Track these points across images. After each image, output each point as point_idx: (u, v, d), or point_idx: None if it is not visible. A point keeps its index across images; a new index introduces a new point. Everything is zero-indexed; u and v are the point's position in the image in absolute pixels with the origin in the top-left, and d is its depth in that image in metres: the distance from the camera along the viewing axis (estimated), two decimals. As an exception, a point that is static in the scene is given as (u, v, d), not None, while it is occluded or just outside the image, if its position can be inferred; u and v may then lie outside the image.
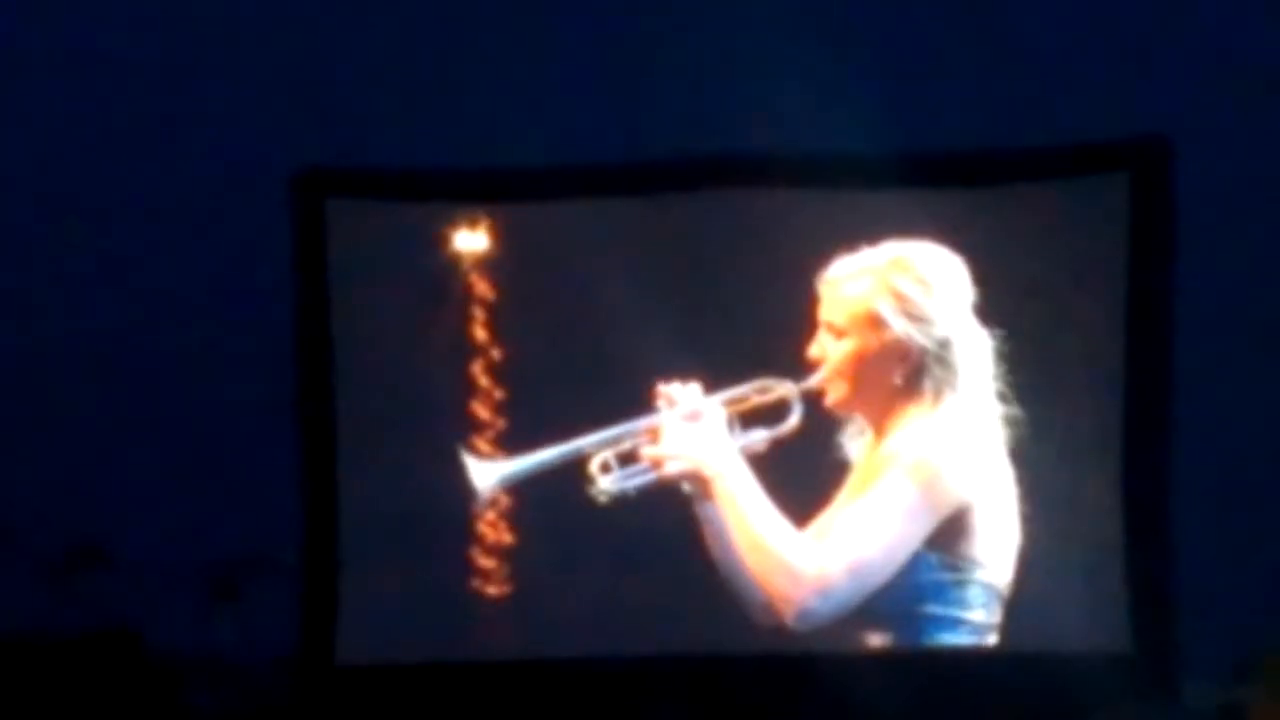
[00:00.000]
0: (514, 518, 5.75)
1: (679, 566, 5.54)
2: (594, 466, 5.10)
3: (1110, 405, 5.68)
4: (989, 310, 5.26)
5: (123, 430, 5.90)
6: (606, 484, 5.07)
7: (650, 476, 5.08)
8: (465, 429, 5.80)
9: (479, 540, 5.80)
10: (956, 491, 4.99)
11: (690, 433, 5.06)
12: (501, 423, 5.85)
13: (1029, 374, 5.25)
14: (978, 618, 5.08)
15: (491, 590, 5.81)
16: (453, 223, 5.88)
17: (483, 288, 5.87)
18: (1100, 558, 5.62)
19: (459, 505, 5.70)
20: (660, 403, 5.10)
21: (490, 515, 5.77)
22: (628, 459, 5.11)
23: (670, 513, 5.15)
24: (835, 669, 5.47)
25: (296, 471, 5.84)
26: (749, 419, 5.15)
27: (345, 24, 5.97)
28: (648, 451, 5.08)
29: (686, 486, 5.09)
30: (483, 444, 5.79)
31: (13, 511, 5.86)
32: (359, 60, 5.92)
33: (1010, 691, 5.48)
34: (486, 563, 5.80)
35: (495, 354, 5.87)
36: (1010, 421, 5.14)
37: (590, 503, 5.08)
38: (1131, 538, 5.65)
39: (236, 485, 5.81)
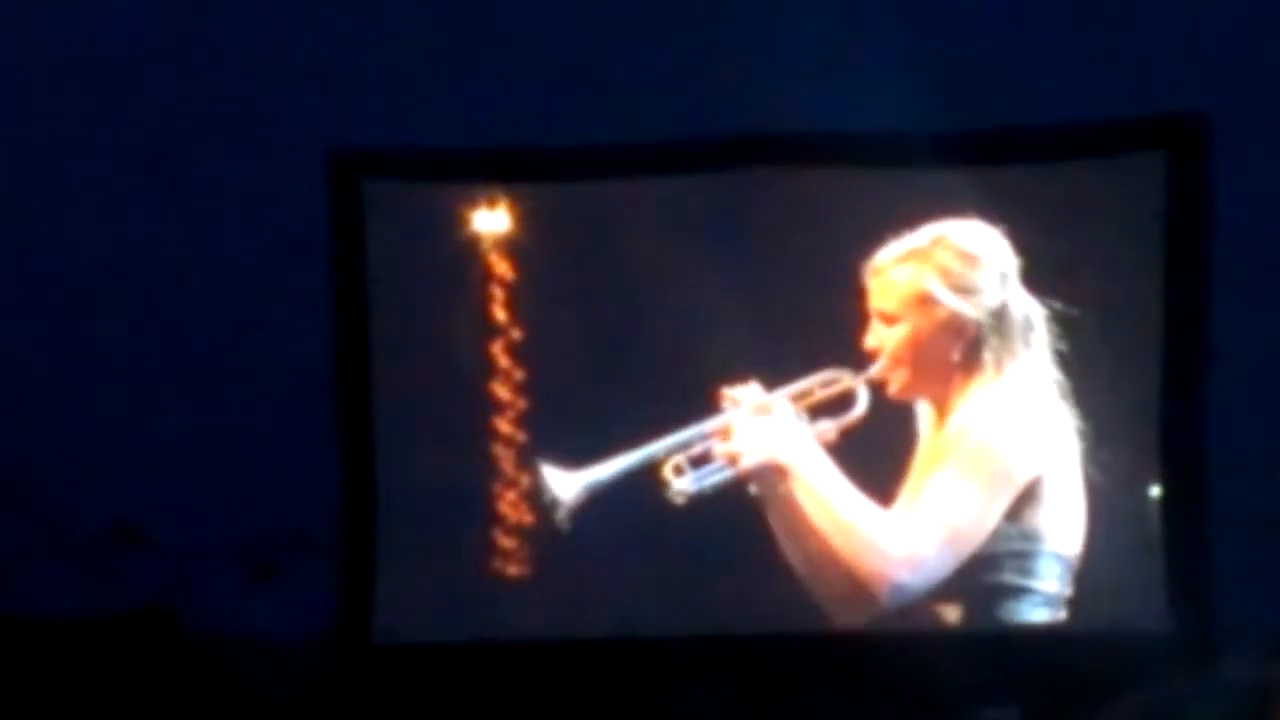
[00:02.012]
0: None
1: (717, 550, 5.60)
2: (667, 470, 5.15)
3: (1147, 383, 5.68)
4: (1026, 288, 5.29)
5: (161, 410, 5.88)
6: (683, 485, 5.14)
7: (726, 473, 5.15)
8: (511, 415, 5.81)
9: (513, 522, 5.81)
10: (1029, 461, 5.04)
11: (762, 426, 5.10)
12: (525, 404, 5.84)
13: (1065, 352, 5.29)
14: (1049, 588, 5.15)
15: (527, 571, 5.82)
16: (492, 202, 5.87)
17: (521, 268, 5.86)
18: (1139, 533, 5.63)
19: (493, 485, 5.77)
20: (725, 403, 5.14)
21: (511, 497, 5.78)
22: (700, 460, 5.17)
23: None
24: (870, 648, 5.50)
25: (334, 450, 5.85)
26: (815, 411, 5.18)
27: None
28: (721, 449, 5.14)
29: (753, 488, 5.13)
30: (504, 424, 5.80)
31: (51, 492, 5.86)
32: (402, 38, 5.90)
33: (1047, 668, 5.50)
34: (519, 544, 5.81)
35: (529, 336, 5.87)
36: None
37: (666, 505, 5.14)
38: (1169, 514, 5.66)
39: (274, 464, 5.80)
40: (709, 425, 5.23)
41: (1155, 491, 5.68)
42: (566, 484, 5.21)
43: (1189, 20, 5.76)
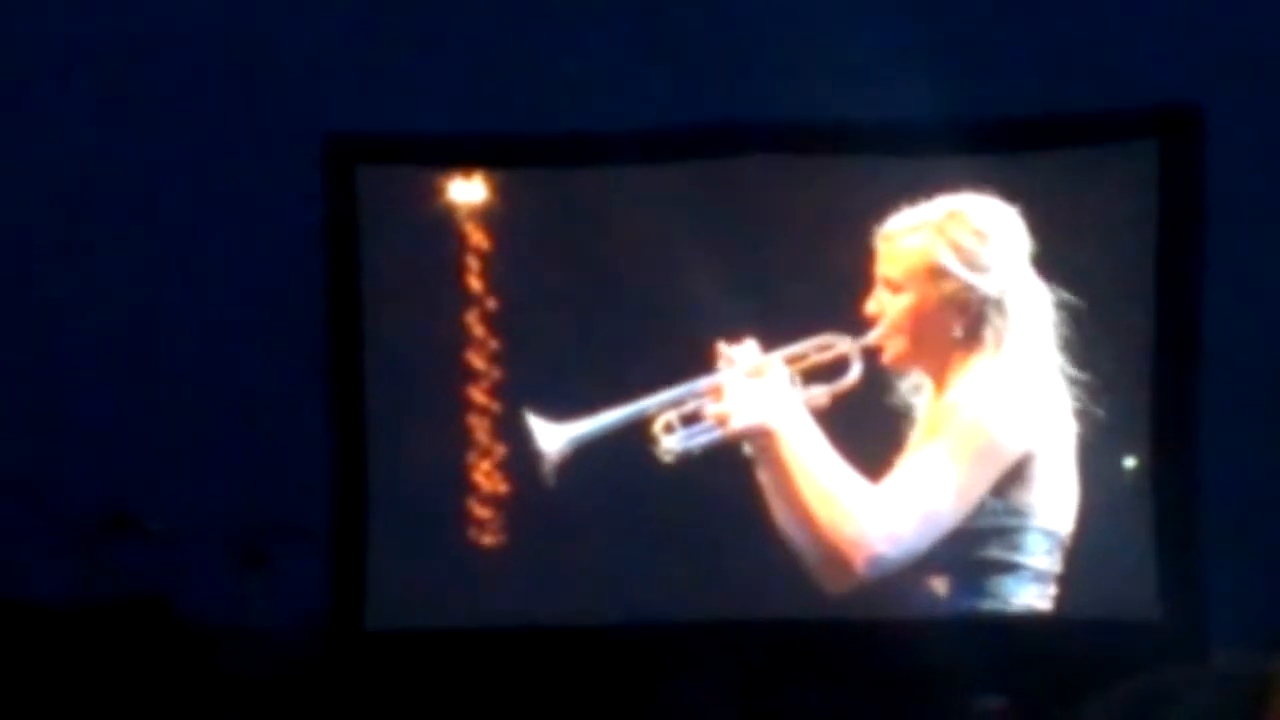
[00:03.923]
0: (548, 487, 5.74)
1: (709, 535, 5.60)
2: (658, 427, 5.15)
3: (1139, 372, 5.68)
4: (1024, 272, 5.29)
5: (153, 397, 5.89)
6: (671, 443, 5.15)
7: (715, 434, 5.15)
8: (498, 394, 5.81)
9: (501, 494, 5.81)
10: (1020, 438, 5.05)
11: (753, 389, 5.10)
12: (509, 378, 5.82)
13: (1058, 338, 5.29)
14: (1038, 564, 5.15)
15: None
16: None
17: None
18: (1131, 521, 5.64)
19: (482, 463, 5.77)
20: (721, 362, 5.14)
21: (501, 472, 5.78)
22: (691, 419, 5.16)
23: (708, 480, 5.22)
24: (859, 634, 5.52)
25: (326, 438, 5.84)
26: (809, 375, 5.19)
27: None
28: (712, 409, 5.13)
29: (747, 447, 5.13)
30: (490, 401, 5.79)
31: (44, 479, 5.86)
32: (398, 24, 5.90)
33: (1037, 657, 5.50)
34: (505, 519, 5.81)
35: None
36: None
37: (654, 462, 5.13)
38: (1162, 501, 5.67)
39: (266, 452, 5.81)
40: (702, 383, 5.21)
41: (1147, 480, 5.69)
42: (552, 436, 5.20)
43: (1181, 10, 5.77)
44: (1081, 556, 5.34)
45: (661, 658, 5.74)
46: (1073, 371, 5.27)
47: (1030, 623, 5.36)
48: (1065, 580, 5.32)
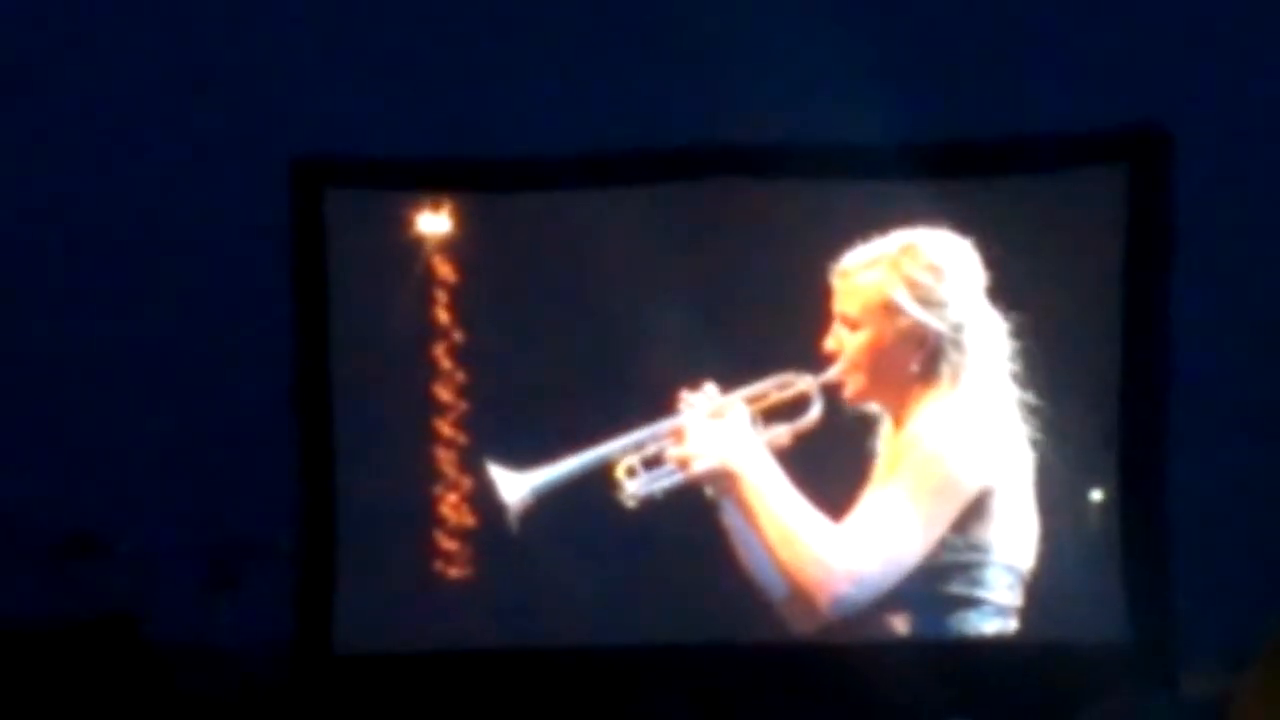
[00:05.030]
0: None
1: (669, 559, 5.59)
2: (620, 471, 5.17)
3: (1107, 397, 5.67)
4: (987, 300, 5.29)
5: (120, 417, 5.90)
6: (634, 488, 5.16)
7: (677, 477, 5.17)
8: (469, 423, 5.81)
9: (467, 527, 5.80)
10: (978, 474, 5.05)
11: (714, 431, 5.12)
12: (476, 410, 5.82)
13: (1025, 364, 5.29)
14: (1000, 599, 5.17)
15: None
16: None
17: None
18: (1098, 547, 5.62)
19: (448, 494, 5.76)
20: (682, 404, 5.15)
21: (468, 505, 5.77)
22: (653, 462, 5.18)
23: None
24: (824, 658, 5.51)
25: (294, 459, 5.83)
26: (770, 415, 5.20)
27: (350, 10, 5.95)
28: (673, 452, 5.16)
29: (709, 490, 5.14)
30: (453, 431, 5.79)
31: (11, 498, 5.85)
32: (363, 48, 5.91)
33: (1004, 680, 5.49)
34: (471, 551, 5.80)
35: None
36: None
37: (619, 508, 5.15)
38: (1129, 527, 5.65)
39: (234, 473, 5.80)
40: (663, 426, 5.23)
41: (1115, 502, 5.68)
42: (514, 486, 5.22)
43: (1150, 35, 5.78)
44: (1050, 580, 5.35)
45: (630, 680, 5.72)
46: (1035, 400, 5.27)
47: (998, 646, 5.37)
48: (1032, 603, 5.32)
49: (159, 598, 5.84)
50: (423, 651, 5.79)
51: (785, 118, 5.64)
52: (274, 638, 5.82)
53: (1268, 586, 5.70)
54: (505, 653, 5.77)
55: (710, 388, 5.24)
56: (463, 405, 5.79)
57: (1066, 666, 5.51)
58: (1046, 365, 5.34)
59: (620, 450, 5.24)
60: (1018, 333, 5.28)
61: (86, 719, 5.61)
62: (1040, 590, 5.35)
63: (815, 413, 5.21)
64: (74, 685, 5.65)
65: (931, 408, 5.13)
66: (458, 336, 5.81)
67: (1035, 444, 5.33)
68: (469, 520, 5.74)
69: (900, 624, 5.25)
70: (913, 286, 5.15)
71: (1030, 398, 5.29)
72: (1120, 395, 5.66)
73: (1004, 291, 5.32)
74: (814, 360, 5.27)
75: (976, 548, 5.12)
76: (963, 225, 5.35)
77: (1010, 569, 5.18)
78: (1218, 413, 5.72)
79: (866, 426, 5.27)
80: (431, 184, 5.88)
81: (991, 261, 5.32)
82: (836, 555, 5.11)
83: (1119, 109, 5.72)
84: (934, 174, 5.56)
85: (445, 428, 5.78)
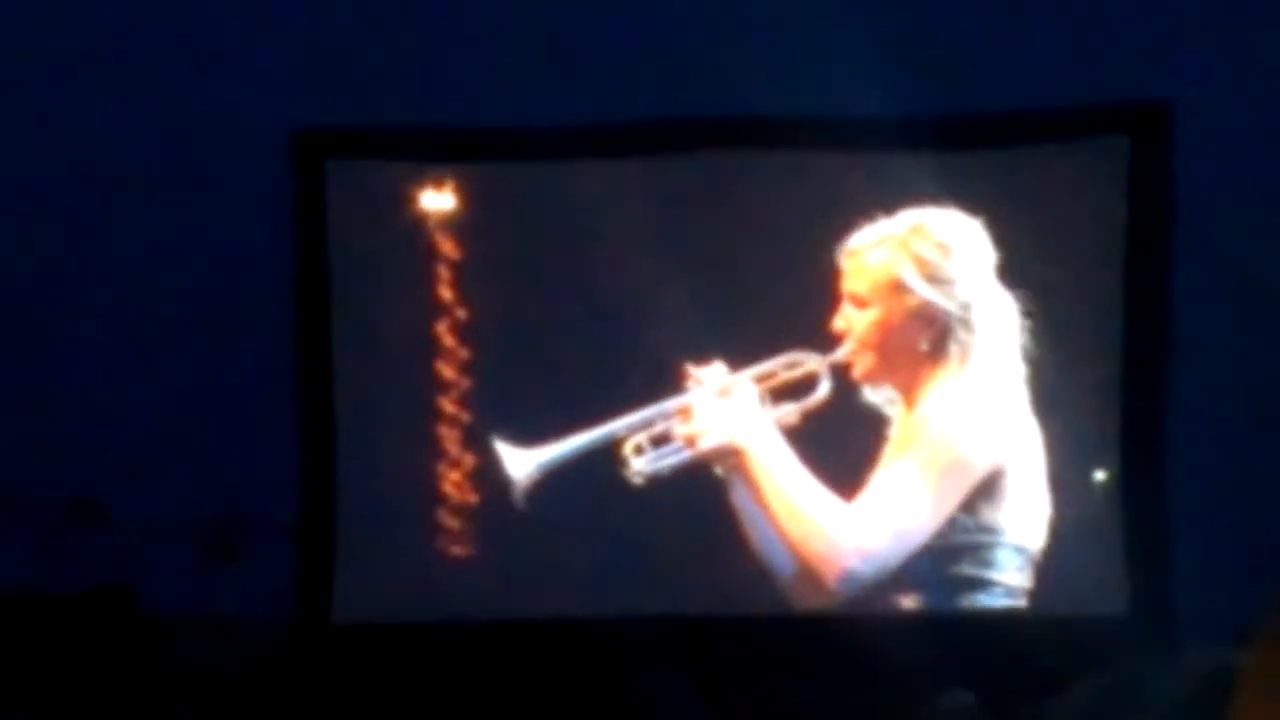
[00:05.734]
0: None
1: (675, 532, 5.59)
2: (627, 449, 5.17)
3: (1109, 368, 5.67)
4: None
5: (120, 388, 5.89)
6: (641, 465, 5.17)
7: (684, 455, 5.16)
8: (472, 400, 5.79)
9: (470, 503, 5.79)
10: (988, 454, 5.05)
11: (722, 408, 5.13)
12: (479, 385, 5.81)
13: (1027, 336, 5.29)
14: (1010, 580, 5.17)
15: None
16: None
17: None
18: (1098, 519, 5.62)
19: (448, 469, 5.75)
20: (690, 382, 5.15)
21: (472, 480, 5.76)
22: (660, 440, 5.18)
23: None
24: (828, 632, 5.50)
25: (294, 430, 5.82)
26: (778, 393, 5.20)
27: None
28: (681, 430, 5.16)
29: (717, 468, 5.14)
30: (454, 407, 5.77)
31: (10, 469, 5.85)
32: (362, 18, 5.91)
33: (1006, 652, 5.48)
34: (473, 526, 5.79)
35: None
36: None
37: (625, 485, 5.15)
38: (1130, 499, 5.65)
39: (233, 444, 5.81)
40: (671, 404, 5.24)
41: (1116, 477, 5.67)
42: (521, 462, 5.22)
43: (1151, 6, 5.78)
44: (1052, 553, 5.35)
45: (631, 652, 5.70)
46: (1042, 371, 5.27)
47: (1000, 619, 5.37)
48: (1036, 576, 5.32)
49: (158, 568, 5.83)
50: (423, 623, 5.79)
51: (791, 90, 5.63)
52: (273, 609, 5.81)
53: (1267, 562, 5.70)
54: (506, 625, 5.76)
55: (718, 365, 5.24)
56: (465, 382, 5.78)
57: (1068, 640, 5.49)
58: (1048, 340, 5.35)
59: (627, 428, 5.25)
60: (1017, 301, 5.28)
61: (84, 689, 5.61)
62: (1043, 562, 5.34)
63: (824, 391, 5.21)
64: (72, 655, 5.64)
65: (941, 387, 5.13)
66: (460, 313, 5.80)
67: (1036, 416, 5.33)
68: (471, 498, 5.73)
69: (910, 604, 5.25)
70: (921, 265, 5.16)
71: (1033, 372, 5.28)
72: (1122, 367, 5.65)
73: (1005, 263, 5.32)
74: (823, 339, 5.27)
75: (987, 529, 5.13)
76: (965, 200, 5.34)
77: (1020, 550, 5.19)
78: (1221, 386, 5.71)
79: (875, 406, 5.26)
80: (434, 156, 5.87)
81: (993, 233, 5.32)
82: (844, 531, 5.11)
83: (1119, 82, 5.73)
84: (938, 146, 5.56)
85: (448, 404, 5.77)
